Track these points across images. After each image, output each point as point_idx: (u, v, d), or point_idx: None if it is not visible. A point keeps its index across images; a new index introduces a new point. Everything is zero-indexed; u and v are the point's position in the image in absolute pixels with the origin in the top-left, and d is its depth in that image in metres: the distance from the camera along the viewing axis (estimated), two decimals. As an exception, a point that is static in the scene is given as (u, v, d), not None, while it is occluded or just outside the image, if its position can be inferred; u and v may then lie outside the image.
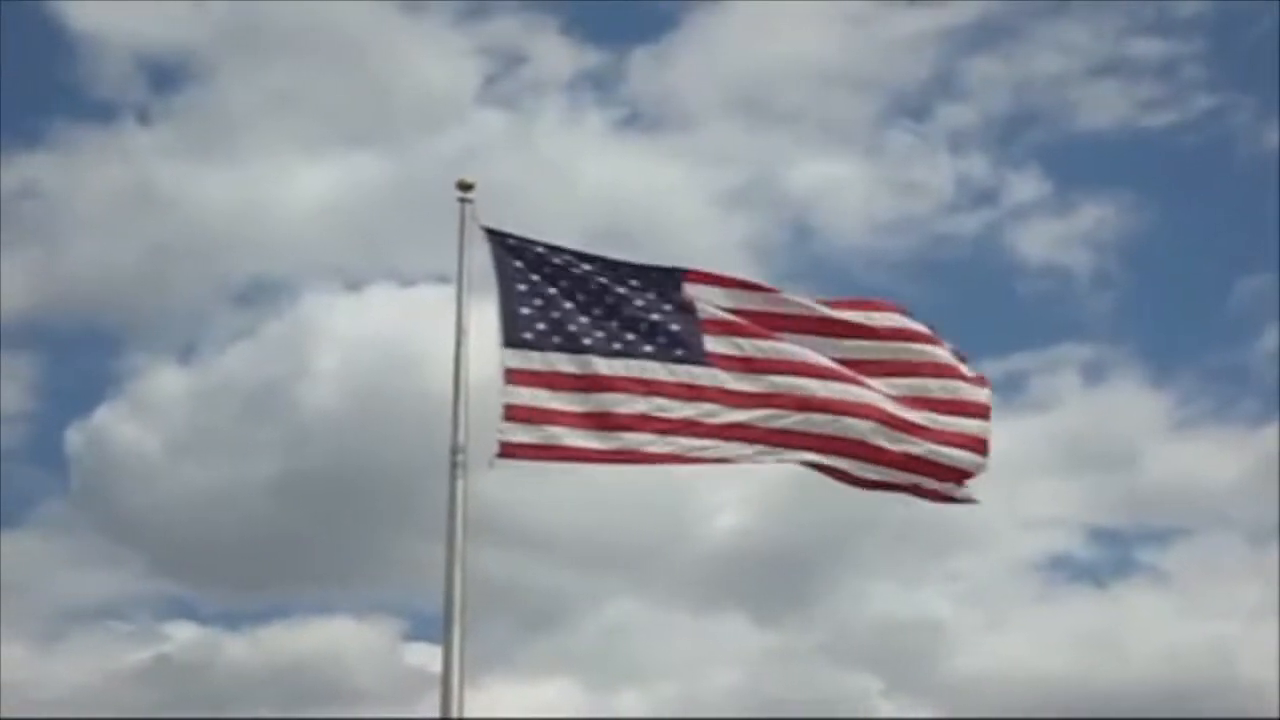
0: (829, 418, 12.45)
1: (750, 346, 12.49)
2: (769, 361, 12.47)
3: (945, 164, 42.01)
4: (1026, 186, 42.10)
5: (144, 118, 41.65)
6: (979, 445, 12.80)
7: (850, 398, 12.52)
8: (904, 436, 12.60)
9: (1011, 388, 37.97)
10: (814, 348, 12.62)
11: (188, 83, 41.87)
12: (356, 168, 39.85)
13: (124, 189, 39.91)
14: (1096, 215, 41.87)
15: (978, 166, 42.30)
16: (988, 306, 40.95)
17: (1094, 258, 41.52)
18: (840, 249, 41.01)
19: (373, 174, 39.55)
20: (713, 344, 12.43)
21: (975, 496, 12.85)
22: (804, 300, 12.84)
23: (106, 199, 40.11)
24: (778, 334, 12.57)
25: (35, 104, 41.33)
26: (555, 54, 41.03)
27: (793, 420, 12.41)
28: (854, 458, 12.53)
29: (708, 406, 12.25)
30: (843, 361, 12.63)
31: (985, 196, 42.34)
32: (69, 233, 40.23)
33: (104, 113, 42.58)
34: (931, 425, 12.68)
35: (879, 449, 12.55)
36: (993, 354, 36.40)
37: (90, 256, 39.40)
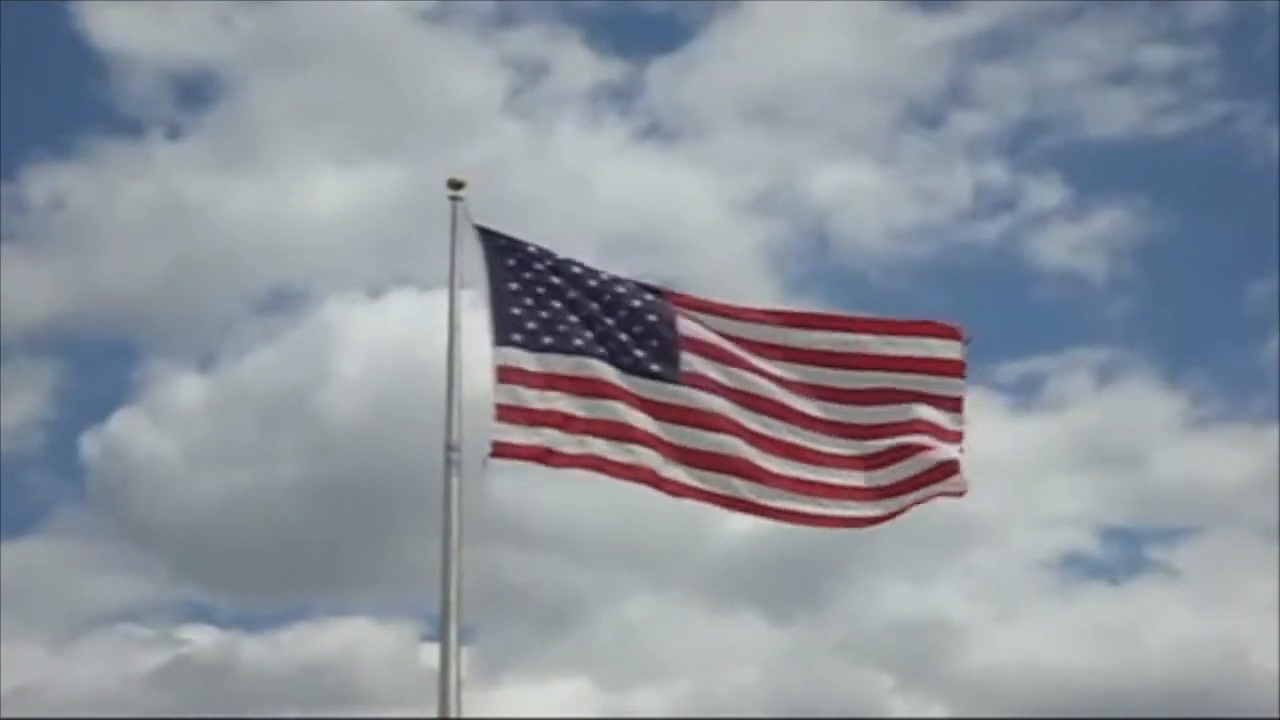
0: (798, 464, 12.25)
1: (728, 375, 12.25)
2: (745, 395, 12.26)
3: (962, 171, 42.32)
4: (1044, 193, 42.38)
5: (173, 133, 42.27)
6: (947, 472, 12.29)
7: (823, 447, 12.29)
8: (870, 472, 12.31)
9: (1027, 389, 38.37)
10: (793, 374, 12.37)
11: (215, 97, 42.43)
12: (379, 177, 40.22)
13: (151, 202, 40.44)
14: (1111, 220, 42.21)
15: (995, 173, 42.60)
16: (1005, 310, 41.17)
17: (1109, 262, 41.83)
18: (859, 256, 41.33)
19: (395, 183, 39.85)
20: (690, 363, 12.22)
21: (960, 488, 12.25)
22: (795, 321, 12.53)
23: (134, 212, 40.64)
24: (759, 365, 12.34)
25: (66, 119, 41.85)
26: (577, 65, 41.45)
27: (768, 462, 12.19)
28: (817, 497, 12.23)
29: (683, 430, 12.11)
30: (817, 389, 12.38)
31: (1003, 203, 42.67)
32: (96, 245, 40.79)
33: (133, 128, 43.15)
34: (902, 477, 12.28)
35: (850, 489, 12.29)
36: (1010, 356, 36.82)
37: (116, 268, 39.92)
